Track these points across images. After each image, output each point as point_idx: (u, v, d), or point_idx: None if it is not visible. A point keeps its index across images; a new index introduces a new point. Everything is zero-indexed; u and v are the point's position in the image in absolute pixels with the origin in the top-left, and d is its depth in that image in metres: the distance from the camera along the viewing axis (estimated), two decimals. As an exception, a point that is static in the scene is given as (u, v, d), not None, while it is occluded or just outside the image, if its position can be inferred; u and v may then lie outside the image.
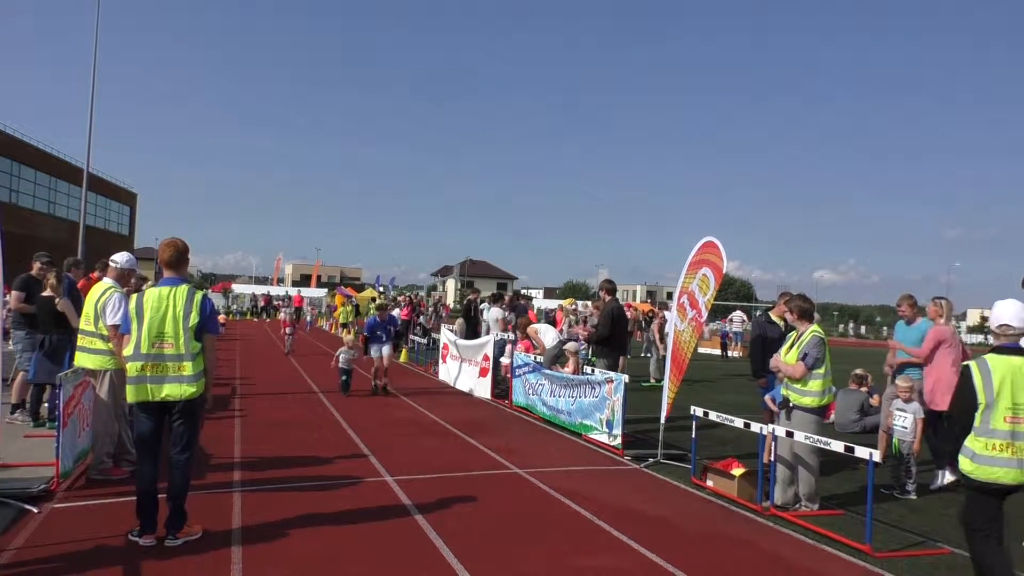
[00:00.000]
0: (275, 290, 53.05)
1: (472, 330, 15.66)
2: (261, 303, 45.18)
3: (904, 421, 7.00)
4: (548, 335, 11.25)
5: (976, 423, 4.07)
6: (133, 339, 4.61)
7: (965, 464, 4.14)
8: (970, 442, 4.12)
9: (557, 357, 11.26)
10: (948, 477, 7.18)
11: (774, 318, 8.25)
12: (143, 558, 4.36)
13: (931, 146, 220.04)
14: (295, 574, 4.27)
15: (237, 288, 54.34)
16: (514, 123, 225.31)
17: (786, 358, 6.21)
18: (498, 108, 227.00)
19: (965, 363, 4.23)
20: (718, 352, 26.48)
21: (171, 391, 4.58)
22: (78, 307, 7.78)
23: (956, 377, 7.10)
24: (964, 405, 4.14)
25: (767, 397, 7.05)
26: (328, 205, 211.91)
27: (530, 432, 9.29)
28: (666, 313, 19.13)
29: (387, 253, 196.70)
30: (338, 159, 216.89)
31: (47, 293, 7.71)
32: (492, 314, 13.72)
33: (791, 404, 6.15)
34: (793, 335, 6.35)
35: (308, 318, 33.57)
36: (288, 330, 19.40)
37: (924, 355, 7.46)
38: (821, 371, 6.05)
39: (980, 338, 72.15)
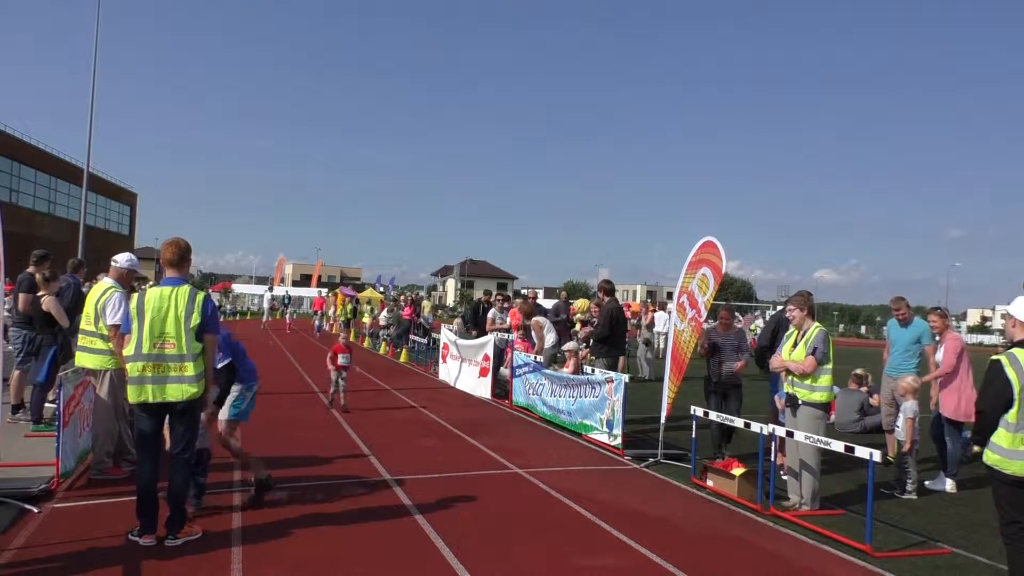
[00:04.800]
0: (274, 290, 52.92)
1: (480, 330, 15.68)
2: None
3: (900, 420, 7.03)
4: (550, 336, 11.30)
5: (1012, 419, 4.05)
6: (134, 339, 4.61)
7: (993, 458, 4.11)
8: (997, 438, 4.10)
9: (554, 357, 11.29)
10: (951, 486, 7.15)
11: None
12: (143, 558, 4.36)
13: (933, 145, 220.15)
14: (295, 574, 4.27)
15: (238, 288, 54.30)
16: (514, 122, 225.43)
17: (793, 356, 6.21)
18: (498, 107, 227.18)
19: (995, 357, 4.21)
20: None
21: (173, 392, 4.58)
22: (81, 308, 7.80)
23: (973, 387, 7.16)
24: (999, 399, 4.10)
25: (777, 397, 7.05)
26: (328, 205, 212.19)
27: (530, 432, 9.29)
28: (657, 314, 19.20)
29: (387, 253, 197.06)
30: (338, 159, 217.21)
31: (45, 292, 7.70)
32: (493, 314, 13.77)
33: (800, 401, 6.16)
34: (794, 333, 6.36)
35: (316, 321, 30.15)
36: (344, 361, 10.46)
37: (952, 368, 7.30)
38: (829, 366, 6.10)
39: (980, 338, 72.22)
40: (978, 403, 4.28)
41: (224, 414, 5.54)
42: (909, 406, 6.96)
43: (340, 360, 10.42)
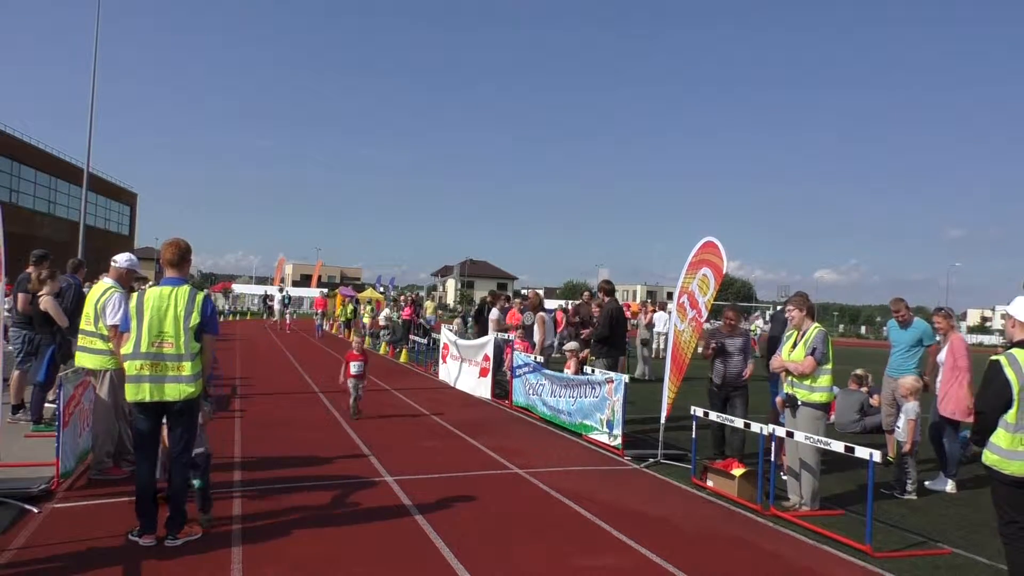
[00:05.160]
0: (273, 290, 52.89)
1: (482, 330, 15.70)
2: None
3: (900, 421, 7.03)
4: (551, 333, 11.41)
5: (1011, 419, 4.05)
6: (132, 338, 4.62)
7: (992, 458, 4.12)
8: (996, 438, 4.11)
9: (550, 357, 11.36)
10: (951, 487, 7.15)
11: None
12: (143, 558, 4.36)
13: (933, 145, 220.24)
14: (295, 574, 4.27)
15: (238, 288, 54.27)
16: (514, 122, 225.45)
17: (792, 356, 6.20)
18: (498, 107, 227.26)
19: (994, 358, 4.22)
20: None
21: (171, 391, 4.58)
22: (81, 308, 7.80)
23: (967, 387, 7.14)
24: (998, 399, 4.11)
25: (778, 398, 7.06)
26: (328, 205, 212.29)
27: (530, 432, 9.29)
28: (657, 314, 19.25)
29: (387, 253, 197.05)
30: (338, 159, 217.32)
31: (43, 292, 7.70)
32: (496, 314, 13.79)
33: (800, 402, 6.15)
34: (794, 334, 6.36)
35: (317, 321, 28.75)
36: (357, 368, 9.79)
37: (968, 368, 7.27)
38: (829, 366, 6.10)
39: (980, 338, 72.22)
40: (977, 403, 4.29)
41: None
42: (910, 407, 6.96)
43: (353, 368, 9.75)
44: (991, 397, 4.14)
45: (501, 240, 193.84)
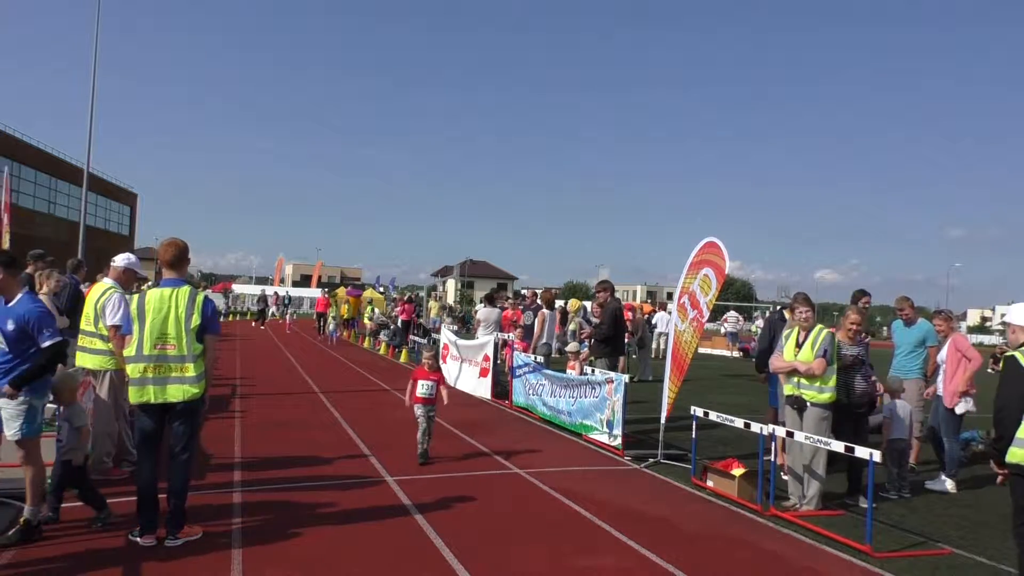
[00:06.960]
0: (271, 290, 52.86)
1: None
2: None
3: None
4: (550, 333, 11.45)
5: None
6: (135, 340, 4.61)
7: (1018, 454, 4.04)
8: (1023, 433, 4.08)
9: (548, 355, 11.38)
10: (951, 487, 7.14)
11: (789, 317, 8.23)
12: (143, 558, 4.36)
13: (933, 145, 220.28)
14: (295, 574, 4.27)
15: (238, 288, 54.28)
16: (514, 122, 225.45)
17: (800, 357, 6.19)
18: (498, 106, 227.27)
19: (1010, 354, 4.22)
20: (717, 352, 26.59)
21: (174, 393, 4.59)
22: (80, 308, 7.79)
23: (969, 376, 7.17)
24: (1020, 392, 4.08)
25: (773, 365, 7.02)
26: (328, 205, 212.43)
27: (530, 432, 9.28)
28: (658, 314, 19.25)
29: (387, 253, 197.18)
30: (338, 159, 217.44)
31: (41, 292, 7.68)
32: (485, 314, 13.78)
33: (808, 403, 6.14)
34: (794, 334, 6.35)
35: (331, 326, 25.50)
36: (425, 390, 7.43)
37: (980, 362, 7.38)
38: (834, 366, 6.11)
39: (980, 338, 72.19)
40: (997, 400, 4.22)
41: (16, 433, 4.48)
42: (888, 407, 7.01)
43: (420, 390, 7.44)
44: (1012, 392, 4.10)
45: (501, 240, 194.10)
